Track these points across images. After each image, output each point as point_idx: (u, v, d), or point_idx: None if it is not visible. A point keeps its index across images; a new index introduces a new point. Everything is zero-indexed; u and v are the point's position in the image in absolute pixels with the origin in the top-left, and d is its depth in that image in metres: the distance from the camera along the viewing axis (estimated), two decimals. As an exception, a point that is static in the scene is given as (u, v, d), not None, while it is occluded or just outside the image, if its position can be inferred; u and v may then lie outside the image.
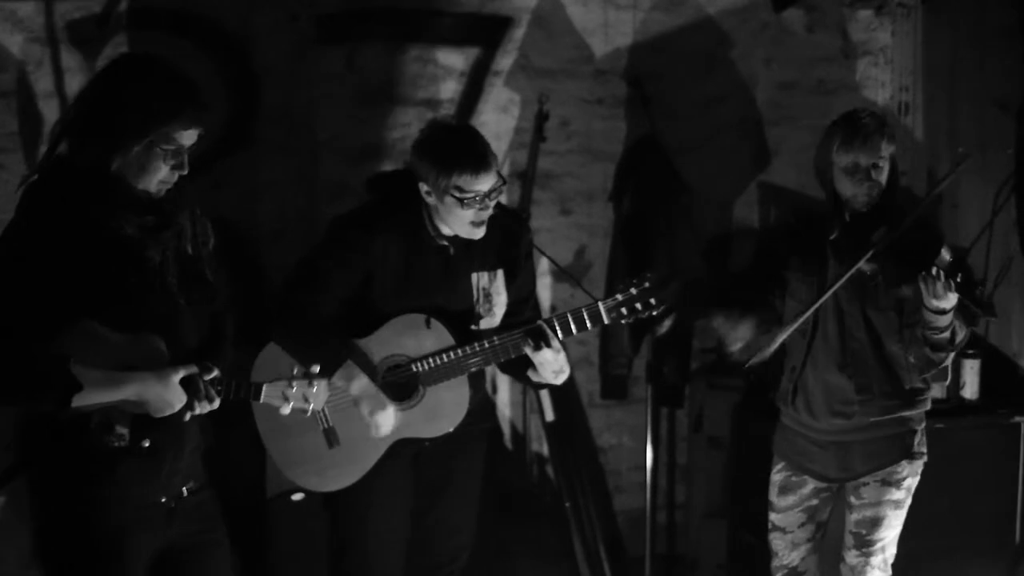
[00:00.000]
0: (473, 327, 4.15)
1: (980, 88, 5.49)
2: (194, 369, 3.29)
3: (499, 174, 4.05)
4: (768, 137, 5.90)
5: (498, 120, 5.57)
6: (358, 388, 4.06)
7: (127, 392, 3.20)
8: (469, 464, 4.36)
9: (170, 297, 3.34)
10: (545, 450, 5.69)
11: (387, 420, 4.08)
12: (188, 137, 3.28)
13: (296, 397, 3.48)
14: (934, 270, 3.87)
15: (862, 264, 4.05)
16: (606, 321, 4.04)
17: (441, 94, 5.47)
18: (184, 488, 3.45)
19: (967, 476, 5.02)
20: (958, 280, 3.86)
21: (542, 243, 5.53)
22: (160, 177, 3.27)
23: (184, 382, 3.26)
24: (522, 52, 5.56)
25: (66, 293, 3.16)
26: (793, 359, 4.34)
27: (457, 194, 3.96)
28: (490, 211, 4.05)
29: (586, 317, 4.05)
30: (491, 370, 5.63)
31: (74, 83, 4.83)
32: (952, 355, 4.14)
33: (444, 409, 4.13)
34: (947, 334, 4.04)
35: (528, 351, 4.05)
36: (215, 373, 3.34)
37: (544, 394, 5.51)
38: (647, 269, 4.23)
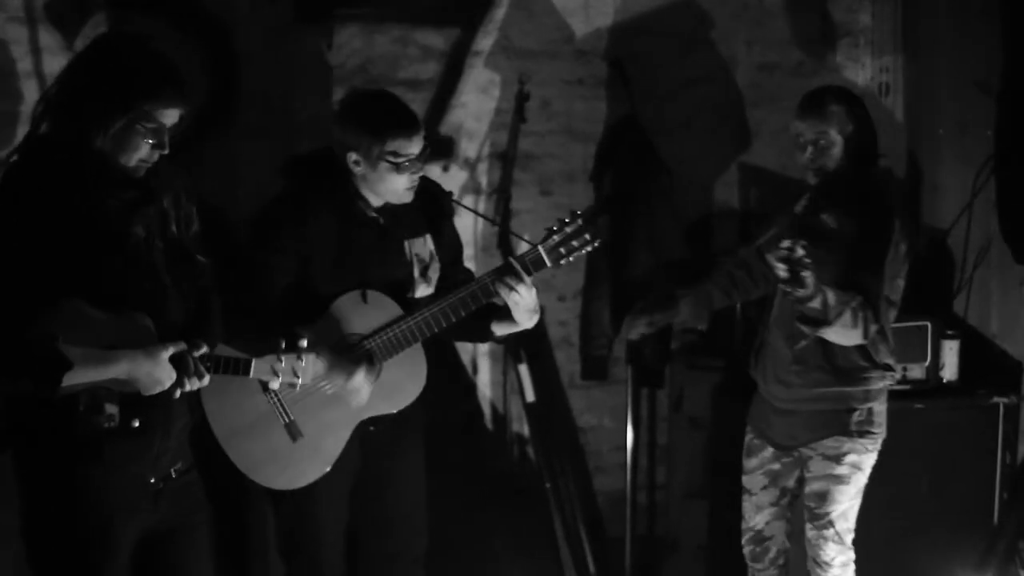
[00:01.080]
0: (413, 295, 4.13)
1: (961, 69, 5.50)
2: (183, 346, 3.28)
3: (424, 137, 4.06)
4: (748, 118, 5.90)
5: (479, 101, 5.56)
6: (322, 364, 3.99)
7: (117, 370, 3.18)
8: (416, 444, 4.34)
9: (155, 275, 3.33)
10: (525, 431, 5.69)
11: (362, 383, 4.00)
12: (169, 116, 3.29)
13: (285, 371, 3.46)
14: (783, 242, 3.92)
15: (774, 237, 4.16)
16: (548, 263, 4.00)
17: (421, 74, 5.46)
18: (172, 469, 3.45)
19: (946, 456, 5.05)
20: (787, 253, 3.90)
21: (523, 224, 5.55)
22: (140, 155, 3.28)
23: (173, 359, 3.25)
24: (503, 32, 5.55)
25: (50, 272, 3.15)
26: (759, 327, 4.52)
27: (392, 159, 3.95)
28: (421, 173, 4.05)
29: (529, 264, 4.02)
30: (471, 351, 5.64)
31: (53, 63, 4.80)
32: (829, 329, 4.17)
33: (403, 381, 4.09)
34: (814, 306, 4.05)
35: (503, 292, 4.00)
36: (204, 349, 3.33)
37: (524, 375, 5.51)
38: (628, 250, 4.23)
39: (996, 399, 5.11)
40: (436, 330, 4.05)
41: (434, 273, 4.21)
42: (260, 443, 4.01)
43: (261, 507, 4.87)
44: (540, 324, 5.69)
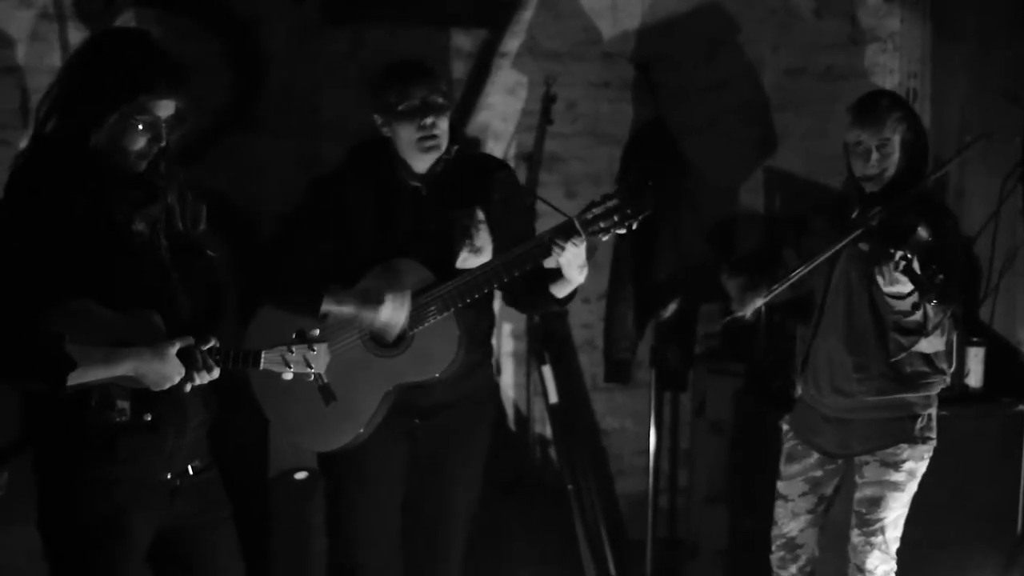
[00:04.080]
0: (460, 265, 4.11)
1: (988, 76, 5.48)
2: (190, 340, 3.27)
3: (446, 95, 4.08)
4: (774, 122, 5.88)
5: (505, 102, 5.56)
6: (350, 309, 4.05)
7: (124, 368, 3.19)
8: (472, 442, 4.34)
9: (163, 271, 3.34)
10: (548, 433, 5.69)
11: (392, 312, 4.02)
12: (164, 108, 3.26)
13: (297, 361, 3.47)
14: (896, 253, 3.86)
15: (853, 241, 4.09)
16: (582, 235, 3.93)
17: (448, 75, 5.46)
18: (189, 466, 3.45)
19: (970, 465, 5.02)
20: (905, 264, 3.83)
21: (547, 226, 5.53)
22: (137, 149, 3.26)
23: (181, 354, 3.25)
24: (530, 34, 5.55)
25: (56, 272, 3.15)
26: (806, 332, 4.42)
27: (399, 105, 3.99)
28: (437, 128, 4.03)
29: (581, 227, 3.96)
30: (495, 352, 5.65)
31: (80, 60, 4.83)
32: (924, 339, 4.13)
33: (433, 351, 4.09)
34: (915, 317, 4.03)
35: (557, 253, 3.92)
36: (212, 343, 3.33)
37: (548, 376, 5.51)
38: (653, 253, 4.18)
39: (1021, 407, 5.09)
40: (477, 295, 4.03)
41: (487, 245, 4.17)
42: (297, 407, 4.08)
43: (282, 503, 4.90)
44: (564, 326, 5.72)
